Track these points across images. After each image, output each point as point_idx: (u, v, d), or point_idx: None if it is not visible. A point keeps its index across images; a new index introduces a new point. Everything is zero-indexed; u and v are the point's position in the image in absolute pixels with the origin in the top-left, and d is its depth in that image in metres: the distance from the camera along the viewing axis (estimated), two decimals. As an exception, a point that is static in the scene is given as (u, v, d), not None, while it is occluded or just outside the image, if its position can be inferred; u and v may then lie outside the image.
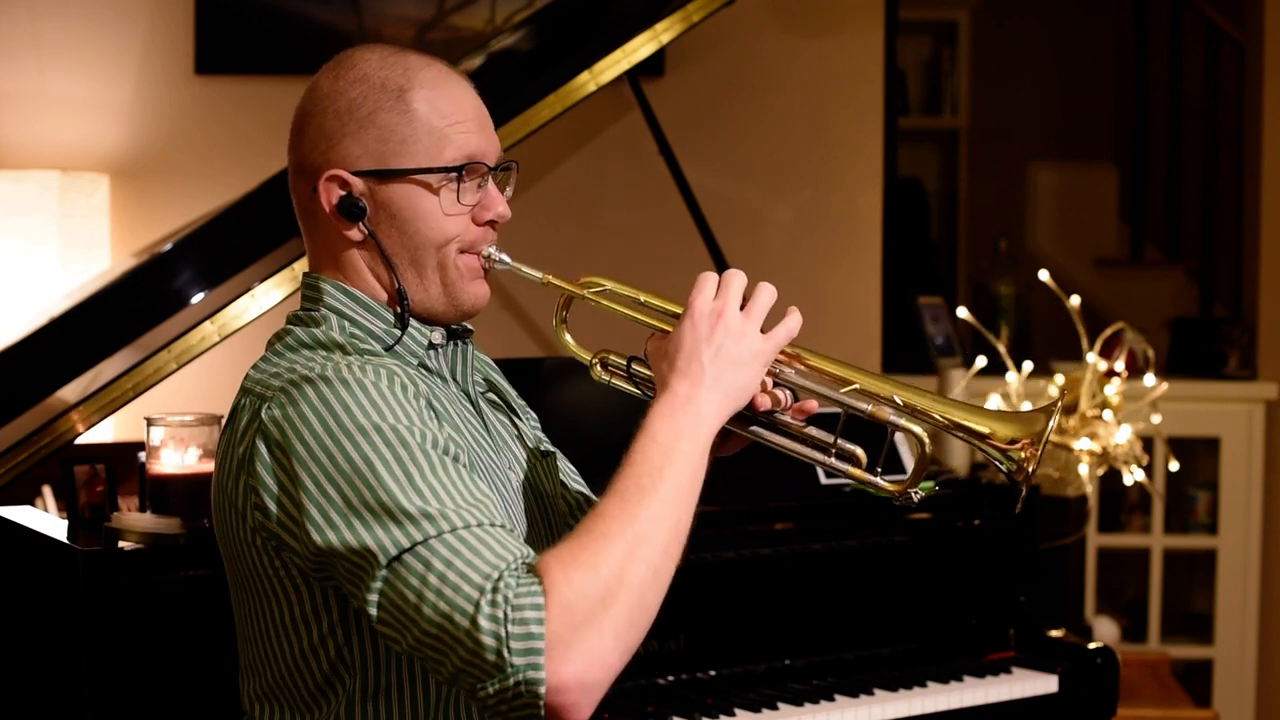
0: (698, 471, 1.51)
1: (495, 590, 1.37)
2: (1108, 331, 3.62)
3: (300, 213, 1.68)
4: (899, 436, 2.80)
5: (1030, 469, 1.60)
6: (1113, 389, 3.50)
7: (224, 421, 1.60)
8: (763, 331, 1.58)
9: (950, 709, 2.50)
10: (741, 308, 1.58)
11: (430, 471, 1.45)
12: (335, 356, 1.56)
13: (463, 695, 1.55)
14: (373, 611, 1.43)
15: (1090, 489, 3.60)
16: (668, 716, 2.32)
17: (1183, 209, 5.58)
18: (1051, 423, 1.61)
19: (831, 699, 2.44)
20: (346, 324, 1.62)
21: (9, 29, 3.52)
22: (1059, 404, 1.66)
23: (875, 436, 1.69)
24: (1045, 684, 2.61)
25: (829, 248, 3.98)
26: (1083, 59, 5.90)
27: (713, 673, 2.47)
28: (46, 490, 2.66)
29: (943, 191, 5.76)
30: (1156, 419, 3.68)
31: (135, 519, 2.17)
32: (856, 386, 1.63)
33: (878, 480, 1.65)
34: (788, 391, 1.64)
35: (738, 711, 2.35)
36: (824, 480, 2.68)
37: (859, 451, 1.66)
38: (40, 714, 2.19)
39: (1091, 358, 3.52)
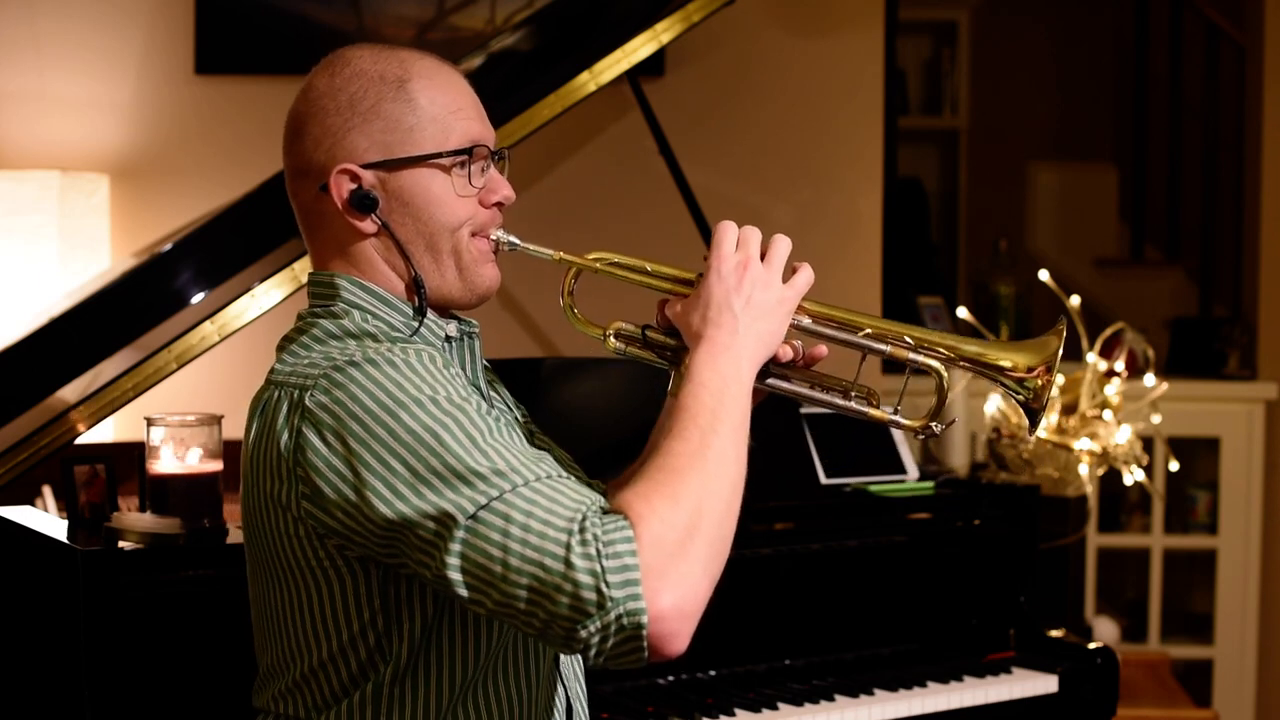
0: (746, 414, 1.54)
1: (583, 530, 1.38)
2: (1108, 331, 3.62)
3: (303, 214, 1.67)
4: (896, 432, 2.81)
5: (1046, 396, 1.64)
6: (1113, 389, 3.50)
7: (251, 417, 1.58)
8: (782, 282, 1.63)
9: (950, 709, 2.50)
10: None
11: (491, 434, 1.46)
12: (368, 344, 1.56)
13: (513, 655, 1.59)
14: (454, 575, 1.41)
15: (1090, 489, 3.60)
16: (668, 716, 2.32)
17: (1183, 209, 5.58)
18: (1061, 345, 1.64)
19: (831, 699, 2.44)
20: (369, 317, 1.62)
21: (9, 29, 3.52)
22: (1065, 325, 1.68)
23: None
24: (1045, 684, 2.61)
25: (829, 248, 3.98)
26: (1083, 59, 5.90)
27: (713, 673, 2.47)
28: (46, 490, 2.66)
29: (943, 191, 5.75)
30: (1156, 419, 3.68)
31: (135, 519, 2.17)
32: (869, 330, 1.67)
33: (898, 418, 1.69)
34: (798, 343, 1.69)
35: (738, 711, 2.35)
36: (824, 480, 2.68)
37: (876, 391, 1.71)
38: (40, 714, 2.19)
39: (1091, 358, 3.52)
